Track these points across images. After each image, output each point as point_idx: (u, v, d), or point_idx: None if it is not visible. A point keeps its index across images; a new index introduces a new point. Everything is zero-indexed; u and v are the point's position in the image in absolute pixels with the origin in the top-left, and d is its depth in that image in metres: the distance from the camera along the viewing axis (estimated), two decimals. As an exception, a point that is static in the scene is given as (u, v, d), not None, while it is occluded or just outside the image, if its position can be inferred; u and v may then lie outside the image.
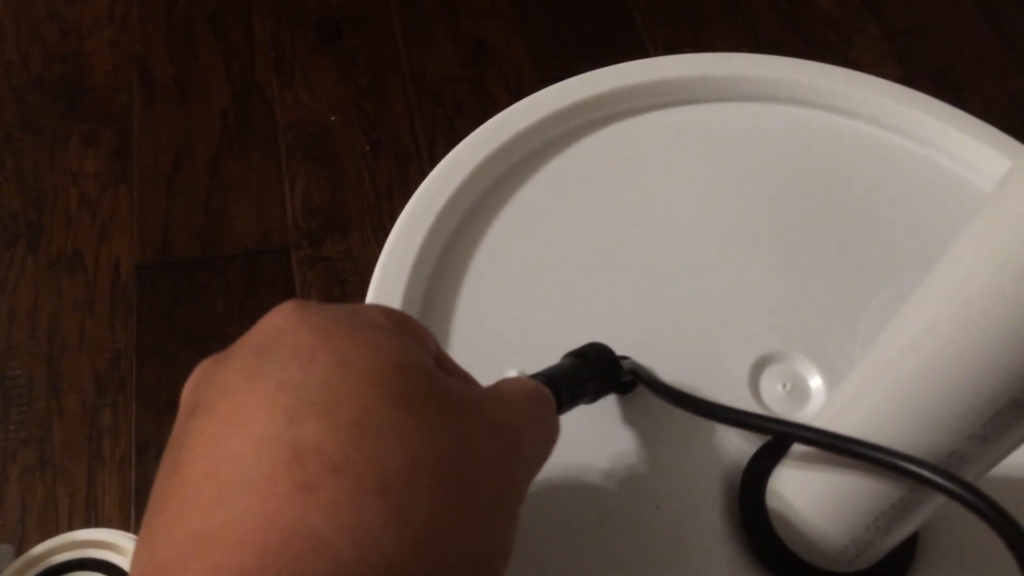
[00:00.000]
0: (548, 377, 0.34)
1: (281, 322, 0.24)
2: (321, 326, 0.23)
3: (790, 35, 1.27)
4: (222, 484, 0.19)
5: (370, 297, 0.40)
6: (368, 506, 0.19)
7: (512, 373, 0.39)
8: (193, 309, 0.98)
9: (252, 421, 0.20)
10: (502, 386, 0.27)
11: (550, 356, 0.40)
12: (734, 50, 1.25)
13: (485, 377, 0.39)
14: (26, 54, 1.17)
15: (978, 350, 0.24)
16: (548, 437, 0.27)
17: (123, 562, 0.58)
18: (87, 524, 0.81)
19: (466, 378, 0.28)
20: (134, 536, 0.60)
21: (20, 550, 0.79)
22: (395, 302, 0.40)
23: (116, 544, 0.59)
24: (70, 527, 0.81)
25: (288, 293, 1.00)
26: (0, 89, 1.14)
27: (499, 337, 0.41)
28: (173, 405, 0.92)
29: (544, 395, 0.29)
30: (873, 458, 0.27)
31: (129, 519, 0.83)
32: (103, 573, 0.58)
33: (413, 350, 0.23)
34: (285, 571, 0.18)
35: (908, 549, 0.36)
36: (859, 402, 0.29)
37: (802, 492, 0.33)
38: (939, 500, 0.29)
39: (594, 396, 0.37)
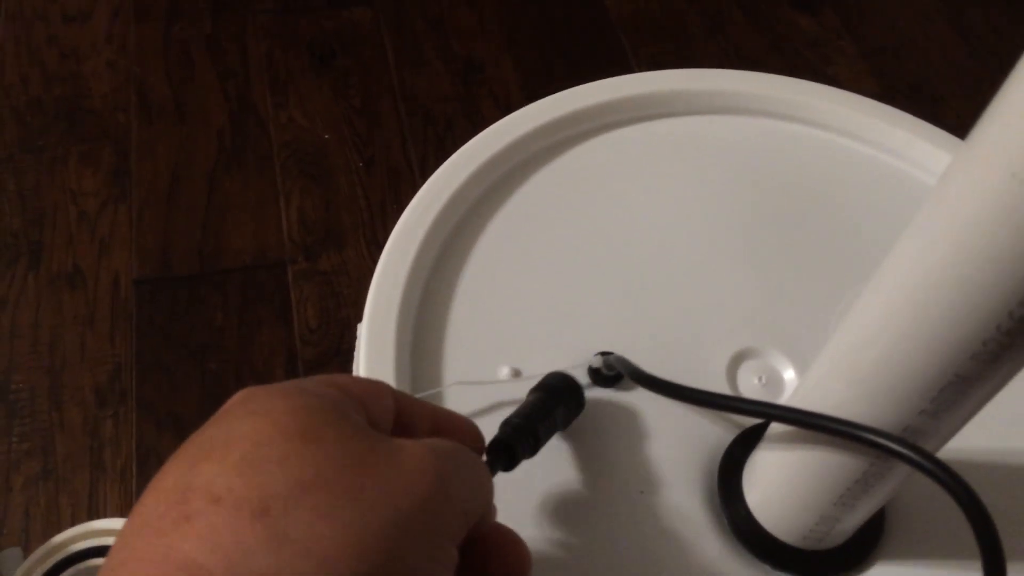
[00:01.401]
0: (524, 416, 0.35)
1: (222, 408, 0.25)
2: (249, 394, 0.25)
3: (770, 53, 1.31)
4: (127, 533, 0.22)
5: (368, 303, 0.42)
6: (245, 528, 0.20)
7: (504, 370, 0.42)
8: (192, 323, 1.00)
9: (163, 478, 0.22)
10: (427, 440, 0.27)
11: (541, 356, 0.42)
12: (716, 67, 1.29)
13: (480, 372, 0.42)
14: (26, 76, 1.20)
15: (923, 331, 0.26)
16: (474, 477, 0.27)
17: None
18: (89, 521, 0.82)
19: (447, 426, 0.30)
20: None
21: (26, 557, 0.81)
22: (392, 308, 0.42)
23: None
24: (72, 536, 0.82)
25: (284, 306, 1.02)
26: (1, 111, 1.16)
27: (493, 338, 0.43)
28: (172, 416, 0.95)
29: (466, 450, 0.29)
30: (837, 430, 0.30)
31: (131, 527, 0.85)
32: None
33: (329, 398, 0.25)
34: None
35: (876, 527, 0.38)
36: (823, 385, 0.32)
37: (774, 474, 0.36)
38: (898, 476, 0.32)
39: (565, 422, 0.39)
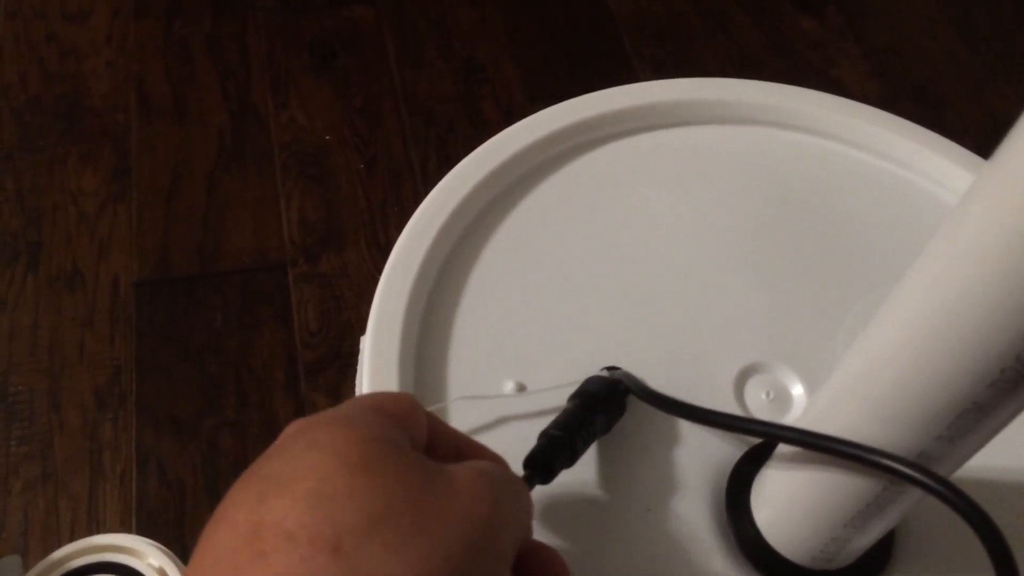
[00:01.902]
0: (562, 427, 0.36)
1: (280, 439, 0.26)
2: (306, 424, 0.25)
3: (774, 55, 1.30)
4: (202, 569, 0.22)
5: (372, 316, 0.42)
6: (320, 564, 0.21)
7: (509, 385, 0.41)
8: (191, 324, 0.99)
9: (232, 511, 0.23)
10: (472, 463, 0.28)
11: (546, 370, 0.42)
12: (719, 69, 1.28)
13: (484, 387, 0.41)
14: (25, 76, 1.19)
15: (940, 358, 0.26)
16: (520, 498, 0.28)
17: (140, 565, 0.60)
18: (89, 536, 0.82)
19: (472, 452, 0.30)
20: (151, 541, 0.63)
21: (25, 562, 0.80)
22: (396, 321, 0.42)
23: (134, 548, 0.61)
24: (72, 539, 0.82)
25: (284, 309, 1.02)
26: (0, 110, 1.15)
27: (498, 352, 0.43)
28: (172, 419, 0.94)
29: (509, 471, 0.30)
30: (851, 454, 0.29)
31: (130, 531, 0.85)
32: (121, 576, 0.61)
33: (381, 427, 0.25)
34: None
35: (886, 547, 0.38)
36: (836, 407, 0.31)
37: (784, 493, 0.35)
38: (911, 499, 0.32)
39: (605, 428, 0.39)
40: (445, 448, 0.30)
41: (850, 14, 1.36)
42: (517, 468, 0.34)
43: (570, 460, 0.35)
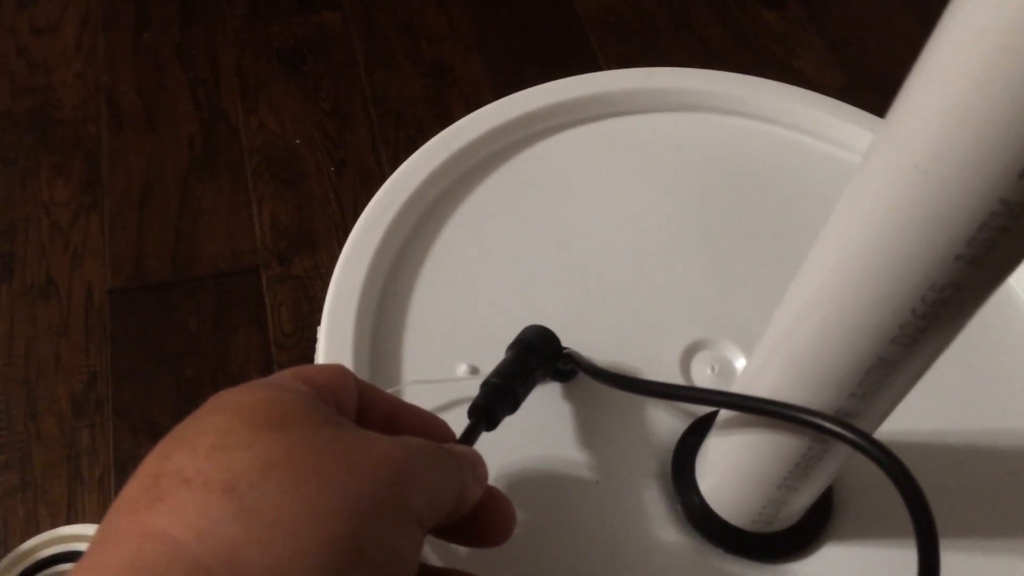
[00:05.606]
0: (501, 375, 0.37)
1: (198, 408, 0.27)
2: (222, 392, 0.26)
3: (738, 49, 1.32)
4: (107, 518, 0.23)
5: (327, 306, 0.43)
6: (213, 503, 0.22)
7: (462, 368, 0.43)
8: (166, 330, 1.00)
9: (140, 469, 0.24)
10: (400, 436, 0.28)
11: (498, 353, 0.43)
12: (684, 65, 1.30)
13: (439, 371, 0.42)
14: (-5, 89, 1.20)
15: (845, 316, 0.27)
16: (442, 473, 0.28)
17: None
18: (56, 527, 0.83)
19: (408, 416, 0.31)
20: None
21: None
22: (350, 310, 0.43)
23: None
24: (52, 547, 0.83)
25: (259, 311, 1.02)
26: (-30, 124, 1.16)
27: (451, 337, 0.44)
28: (149, 424, 0.95)
29: (437, 446, 0.30)
30: (773, 412, 0.31)
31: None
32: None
33: (298, 393, 0.26)
34: (126, 562, 0.21)
35: (823, 512, 0.40)
36: (762, 371, 0.33)
37: (722, 460, 0.37)
38: (836, 458, 0.33)
39: (545, 374, 0.40)
40: (379, 414, 0.30)
41: (811, 6, 1.38)
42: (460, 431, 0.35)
43: (513, 407, 0.36)
